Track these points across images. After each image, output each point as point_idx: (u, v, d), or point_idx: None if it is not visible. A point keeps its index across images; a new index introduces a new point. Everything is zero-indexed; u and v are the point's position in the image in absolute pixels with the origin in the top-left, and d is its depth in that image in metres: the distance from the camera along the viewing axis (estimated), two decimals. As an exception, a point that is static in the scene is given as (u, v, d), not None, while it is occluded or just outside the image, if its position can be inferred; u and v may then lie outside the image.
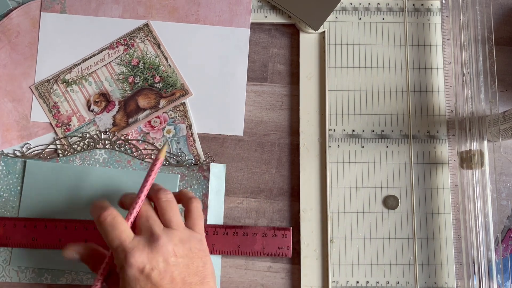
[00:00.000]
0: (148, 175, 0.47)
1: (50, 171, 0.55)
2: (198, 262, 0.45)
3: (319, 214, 0.56)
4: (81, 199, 0.55)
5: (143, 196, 0.46)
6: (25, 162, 0.56)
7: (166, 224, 0.45)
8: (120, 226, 0.44)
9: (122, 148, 0.57)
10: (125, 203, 0.49)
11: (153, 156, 0.57)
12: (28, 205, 0.55)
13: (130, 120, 0.58)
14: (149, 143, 0.57)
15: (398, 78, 0.59)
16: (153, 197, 0.47)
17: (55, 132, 0.57)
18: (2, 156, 0.56)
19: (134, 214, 0.46)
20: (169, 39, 0.59)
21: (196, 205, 0.48)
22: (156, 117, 0.58)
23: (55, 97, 0.58)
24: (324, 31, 0.59)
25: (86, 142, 0.57)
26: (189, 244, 0.45)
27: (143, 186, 0.47)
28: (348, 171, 0.57)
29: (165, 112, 0.58)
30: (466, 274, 0.53)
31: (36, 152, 0.57)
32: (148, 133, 0.57)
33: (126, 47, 0.59)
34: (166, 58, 0.59)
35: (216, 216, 0.56)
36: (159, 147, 0.57)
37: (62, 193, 0.55)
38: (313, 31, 0.59)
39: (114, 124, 0.57)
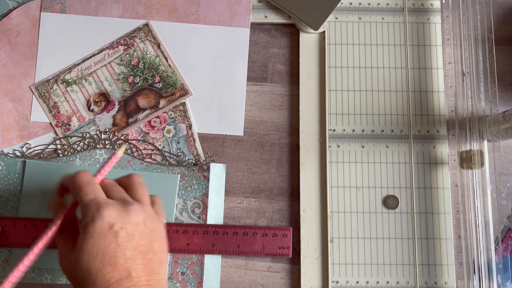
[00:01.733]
0: (105, 166, 0.47)
1: (50, 171, 0.55)
2: (160, 244, 0.44)
3: (319, 214, 0.56)
4: None
5: (105, 172, 0.46)
6: (24, 162, 0.56)
7: (136, 200, 0.45)
8: (96, 184, 0.44)
9: (122, 148, 0.57)
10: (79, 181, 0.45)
11: (153, 156, 0.57)
12: (28, 205, 0.55)
13: (130, 120, 0.58)
14: (149, 143, 0.57)
15: (398, 78, 0.59)
16: (124, 180, 0.47)
17: (55, 132, 0.57)
18: (2, 156, 0.56)
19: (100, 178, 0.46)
20: (169, 39, 0.59)
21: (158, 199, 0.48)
22: (156, 117, 0.58)
23: (55, 97, 0.58)
24: (324, 31, 0.59)
25: (86, 142, 0.57)
26: (156, 224, 0.45)
27: (102, 169, 0.47)
28: (348, 171, 0.57)
29: (165, 112, 0.58)
30: (466, 274, 0.53)
31: (36, 152, 0.57)
32: (148, 133, 0.57)
33: (126, 47, 0.59)
34: (166, 58, 0.59)
35: (216, 216, 0.56)
36: (159, 147, 0.57)
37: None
38: (313, 31, 0.59)
39: (114, 124, 0.57)
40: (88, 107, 0.58)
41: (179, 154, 0.57)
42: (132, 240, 0.42)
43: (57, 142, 0.57)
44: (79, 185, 0.44)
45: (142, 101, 0.58)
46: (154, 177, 0.55)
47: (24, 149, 0.57)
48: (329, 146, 0.57)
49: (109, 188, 0.45)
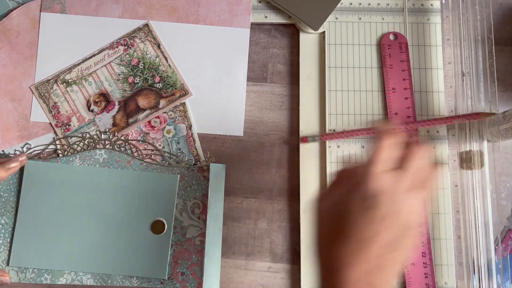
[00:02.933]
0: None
1: (49, 171, 0.55)
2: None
3: (319, 214, 0.56)
4: (80, 200, 0.55)
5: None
6: None
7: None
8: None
9: (122, 148, 0.57)
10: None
11: (153, 157, 0.57)
12: (27, 205, 0.55)
13: (130, 120, 0.58)
14: (149, 143, 0.57)
15: (398, 78, 0.59)
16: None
17: (55, 132, 0.57)
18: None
19: None
20: (169, 39, 0.59)
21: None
22: (156, 117, 0.58)
23: (55, 97, 0.58)
24: (324, 31, 0.59)
25: (86, 142, 0.57)
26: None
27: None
28: (348, 171, 0.57)
29: (165, 112, 0.58)
30: (466, 274, 0.53)
31: (36, 152, 0.57)
32: (148, 133, 0.57)
33: (126, 47, 0.59)
34: (166, 58, 0.59)
35: (215, 216, 0.56)
36: (159, 147, 0.57)
37: (62, 194, 0.55)
38: (313, 31, 0.59)
39: (114, 124, 0.57)
40: (88, 107, 0.58)
41: (179, 154, 0.57)
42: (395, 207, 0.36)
43: (57, 142, 0.57)
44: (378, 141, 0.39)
45: (142, 101, 0.58)
46: (154, 177, 0.55)
47: (24, 149, 0.57)
48: (329, 146, 0.57)
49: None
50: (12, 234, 0.55)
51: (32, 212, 0.55)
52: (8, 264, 0.54)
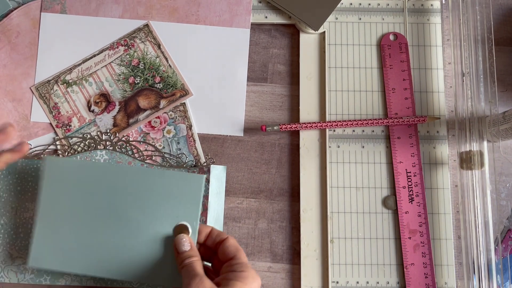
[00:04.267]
0: None
1: (71, 168, 0.50)
2: None
3: (319, 214, 0.56)
4: (100, 199, 0.50)
5: None
6: (24, 162, 0.55)
7: None
8: None
9: (123, 149, 0.56)
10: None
11: (153, 158, 0.57)
12: (49, 205, 0.50)
13: (131, 120, 0.58)
14: (150, 144, 0.57)
15: (398, 79, 0.59)
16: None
17: (55, 132, 0.57)
18: (2, 157, 0.56)
19: None
20: (169, 39, 0.59)
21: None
22: (156, 118, 0.58)
23: (56, 98, 0.58)
24: (324, 31, 0.59)
25: (86, 143, 0.57)
26: None
27: None
28: (348, 171, 0.57)
29: (165, 113, 0.58)
30: (466, 274, 0.53)
31: (36, 152, 0.57)
32: (148, 133, 0.57)
33: (126, 47, 0.59)
34: (166, 59, 0.59)
35: (216, 218, 0.56)
36: (160, 148, 0.57)
37: (82, 193, 0.50)
38: (313, 31, 0.59)
39: (114, 125, 0.57)
40: (89, 107, 0.58)
41: (179, 155, 0.57)
42: None
43: (57, 142, 0.57)
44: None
45: (142, 102, 0.58)
46: (177, 177, 0.50)
47: (24, 149, 0.56)
48: (329, 147, 0.57)
49: None
50: (12, 235, 0.54)
51: (53, 212, 0.50)
52: (8, 264, 0.54)
